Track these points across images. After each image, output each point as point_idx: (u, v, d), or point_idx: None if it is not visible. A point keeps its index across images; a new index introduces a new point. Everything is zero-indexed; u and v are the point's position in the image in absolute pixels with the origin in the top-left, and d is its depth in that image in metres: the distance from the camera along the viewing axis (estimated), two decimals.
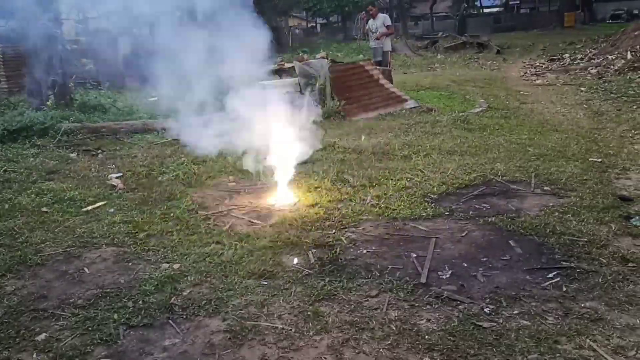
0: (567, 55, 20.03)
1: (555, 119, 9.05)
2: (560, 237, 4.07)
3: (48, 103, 8.47)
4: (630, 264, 3.66)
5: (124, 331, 3.24)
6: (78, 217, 4.98)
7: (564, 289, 3.40)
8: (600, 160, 6.17)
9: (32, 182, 5.93)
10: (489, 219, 4.52)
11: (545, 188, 5.25)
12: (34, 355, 3.07)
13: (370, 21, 12.83)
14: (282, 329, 3.14)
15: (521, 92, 12.61)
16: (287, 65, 10.25)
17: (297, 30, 44.49)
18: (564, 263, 3.71)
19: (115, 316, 3.37)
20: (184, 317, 3.34)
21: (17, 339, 3.21)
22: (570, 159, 6.20)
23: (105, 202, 5.34)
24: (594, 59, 17.53)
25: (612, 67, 15.07)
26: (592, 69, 15.68)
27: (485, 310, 3.20)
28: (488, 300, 3.31)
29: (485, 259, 3.84)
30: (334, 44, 31.81)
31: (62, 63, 9.02)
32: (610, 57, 16.55)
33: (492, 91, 12.67)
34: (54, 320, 3.39)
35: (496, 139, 7.31)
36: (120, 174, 6.15)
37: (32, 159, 6.75)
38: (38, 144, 7.33)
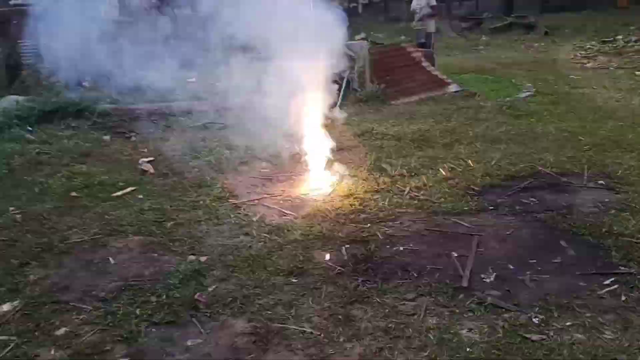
0: (620, 37, 19.05)
1: (609, 105, 8.52)
2: (617, 239, 3.72)
3: (85, 84, 8.39)
4: None
5: (146, 328, 3.08)
6: (107, 203, 4.86)
7: (623, 297, 3.08)
8: None
9: (64, 165, 5.84)
10: (538, 216, 4.19)
11: (600, 182, 4.87)
12: (52, 352, 2.94)
13: (414, 2, 12.34)
14: (311, 333, 2.92)
15: (571, 76, 12.00)
16: None
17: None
18: (623, 268, 3.37)
19: (138, 312, 3.22)
20: (209, 315, 3.16)
21: (36, 333, 3.09)
22: (626, 150, 5.76)
23: (135, 187, 5.21)
24: None
25: None
26: None
27: (534, 320, 2.91)
28: (537, 309, 3.01)
29: (533, 260, 3.53)
30: (376, 25, 31.19)
31: (100, 43, 8.91)
32: None
33: (540, 75, 12.07)
34: (74, 313, 3.26)
35: (545, 127, 6.89)
36: (151, 158, 6.01)
37: (65, 141, 6.67)
38: (73, 125, 7.25)
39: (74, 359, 2.88)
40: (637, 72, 11.80)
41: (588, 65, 14.14)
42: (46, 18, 9.81)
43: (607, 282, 3.23)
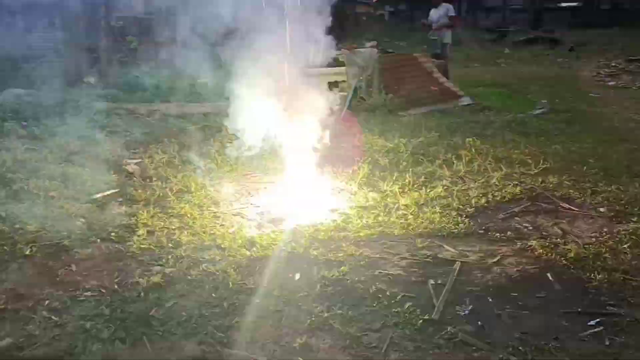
0: None
1: (626, 127, 8.17)
2: (610, 274, 3.43)
3: (88, 80, 8.31)
4: None
5: (92, 345, 2.88)
6: (83, 205, 4.69)
7: (607, 342, 2.80)
8: None
9: (49, 162, 5.70)
10: (529, 243, 3.91)
11: (602, 210, 4.57)
12: None
13: (432, 10, 12.07)
14: None
15: (591, 94, 11.64)
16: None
17: (364, 18, 43.45)
18: (611, 308, 3.09)
19: (88, 326, 3.03)
20: (160, 334, 2.96)
21: None
22: (636, 177, 5.43)
23: (116, 190, 5.04)
24: None
25: None
26: None
27: None
28: (511, 349, 2.75)
29: (515, 294, 3.26)
30: (400, 33, 30.89)
31: (107, 40, 8.84)
32: None
33: (559, 92, 11.72)
34: (22, 323, 3.08)
35: (553, 147, 6.57)
36: (139, 160, 5.85)
37: (58, 138, 6.54)
38: (69, 122, 7.13)
39: None
40: None
41: (610, 83, 13.74)
42: (61, 10, 9.78)
43: (592, 323, 2.96)
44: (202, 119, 7.63)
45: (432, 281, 3.40)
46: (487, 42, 25.52)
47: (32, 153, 5.94)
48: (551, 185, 5.10)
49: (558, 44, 24.04)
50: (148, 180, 5.36)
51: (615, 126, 8.20)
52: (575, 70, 16.85)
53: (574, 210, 4.57)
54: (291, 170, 5.11)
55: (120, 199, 4.86)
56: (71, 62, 8.62)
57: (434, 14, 11.96)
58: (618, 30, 28.82)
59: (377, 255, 3.78)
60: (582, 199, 4.81)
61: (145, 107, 7.83)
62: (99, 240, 4.07)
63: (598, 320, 2.98)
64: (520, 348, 2.75)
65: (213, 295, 3.30)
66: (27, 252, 3.86)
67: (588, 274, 3.45)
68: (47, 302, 3.28)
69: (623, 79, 14.28)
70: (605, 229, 4.16)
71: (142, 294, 3.33)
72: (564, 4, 48.67)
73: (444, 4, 11.96)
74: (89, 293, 3.36)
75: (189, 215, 4.48)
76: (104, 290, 3.39)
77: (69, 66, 8.68)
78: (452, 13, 11.92)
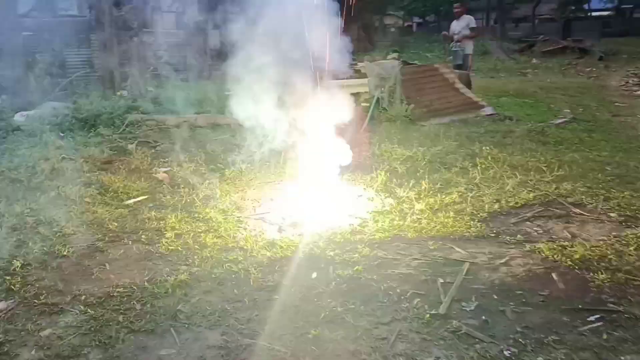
0: None
1: None
2: (614, 274, 3.57)
3: (119, 93, 8.70)
4: None
5: (124, 335, 3.15)
6: (116, 211, 5.00)
7: (604, 336, 2.95)
8: None
9: (85, 171, 6.04)
10: (537, 246, 4.07)
11: (612, 215, 4.69)
12: (33, 352, 3.04)
13: (454, 22, 12.29)
14: (278, 351, 2.93)
15: (616, 104, 11.67)
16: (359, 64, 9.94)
17: (392, 29, 43.74)
18: (611, 305, 3.23)
19: (120, 318, 3.30)
20: (186, 326, 3.21)
21: (22, 333, 3.20)
22: None
23: (147, 196, 5.35)
24: None
25: None
26: None
27: (505, 352, 2.83)
28: (511, 341, 2.92)
29: (520, 292, 3.43)
30: (427, 44, 31.05)
31: (138, 54, 9.23)
32: None
33: (583, 101, 11.79)
34: (61, 316, 3.37)
35: (571, 155, 6.67)
36: (168, 169, 6.16)
37: (92, 149, 6.91)
38: (102, 133, 7.51)
39: None
40: None
41: (638, 92, 13.69)
42: (96, 27, 10.22)
43: (592, 318, 3.11)
44: (228, 130, 7.92)
45: (441, 280, 3.59)
46: (514, 52, 25.50)
47: (69, 162, 6.29)
48: (565, 192, 5.23)
49: (587, 53, 23.89)
50: (176, 187, 5.65)
51: (638, 135, 8.25)
52: (602, 79, 16.81)
53: (584, 215, 4.70)
54: (312, 177, 5.35)
55: (151, 205, 5.15)
56: (105, 76, 9.04)
57: (456, 25, 12.19)
58: None
59: (390, 257, 3.98)
60: (594, 204, 4.93)
61: (174, 118, 8.16)
62: (130, 242, 4.37)
63: (598, 316, 3.13)
64: (520, 340, 2.92)
65: (235, 291, 3.54)
66: (65, 252, 4.17)
67: (592, 274, 3.60)
68: (83, 297, 3.56)
69: None
70: (613, 233, 4.28)
71: (169, 290, 3.58)
72: (595, 13, 48.20)
73: (465, 15, 12.20)
74: (121, 289, 3.62)
75: (214, 220, 4.74)
76: (135, 287, 3.65)
77: (103, 80, 9.11)
78: (473, 25, 12.14)
